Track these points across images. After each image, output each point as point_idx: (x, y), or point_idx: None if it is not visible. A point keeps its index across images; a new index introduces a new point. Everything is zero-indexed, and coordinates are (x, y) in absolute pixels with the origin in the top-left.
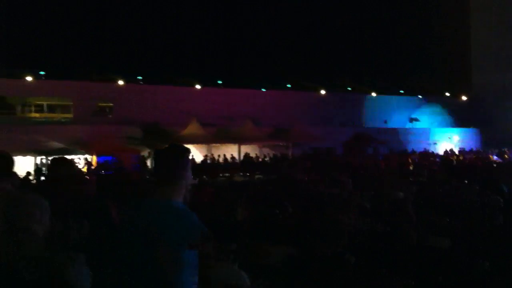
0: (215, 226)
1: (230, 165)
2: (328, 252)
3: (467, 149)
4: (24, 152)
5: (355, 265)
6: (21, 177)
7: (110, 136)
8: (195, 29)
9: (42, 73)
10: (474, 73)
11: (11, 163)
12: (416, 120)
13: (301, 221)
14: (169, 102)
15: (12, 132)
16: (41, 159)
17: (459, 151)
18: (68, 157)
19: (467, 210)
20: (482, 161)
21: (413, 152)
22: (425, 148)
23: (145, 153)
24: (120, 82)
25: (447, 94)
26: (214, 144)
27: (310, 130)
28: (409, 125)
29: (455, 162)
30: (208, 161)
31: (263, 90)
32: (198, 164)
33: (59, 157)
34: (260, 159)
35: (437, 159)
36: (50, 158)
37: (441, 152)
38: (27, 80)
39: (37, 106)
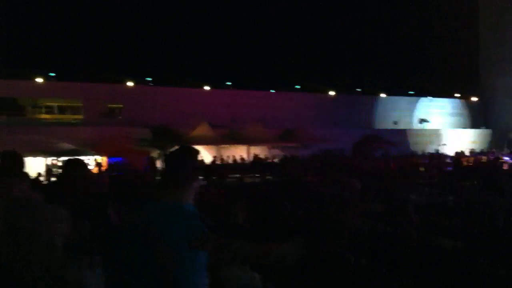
0: (218, 226)
1: (240, 166)
2: (328, 252)
3: (478, 150)
4: (34, 153)
5: (355, 265)
6: (32, 178)
7: (120, 137)
8: (205, 31)
9: (52, 74)
10: (485, 74)
11: (22, 163)
12: (426, 121)
13: (301, 221)
14: (179, 103)
15: (23, 133)
16: (52, 160)
17: (470, 152)
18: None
19: (468, 210)
20: (490, 162)
21: (423, 153)
22: (435, 149)
23: (154, 154)
24: (130, 84)
25: (457, 95)
26: (223, 146)
27: (319, 131)
28: (418, 126)
29: (465, 163)
30: (217, 162)
31: (272, 91)
32: (208, 165)
33: (73, 158)
34: (269, 160)
35: (448, 160)
36: (60, 159)
37: (451, 153)
38: (37, 82)
39: (47, 107)
